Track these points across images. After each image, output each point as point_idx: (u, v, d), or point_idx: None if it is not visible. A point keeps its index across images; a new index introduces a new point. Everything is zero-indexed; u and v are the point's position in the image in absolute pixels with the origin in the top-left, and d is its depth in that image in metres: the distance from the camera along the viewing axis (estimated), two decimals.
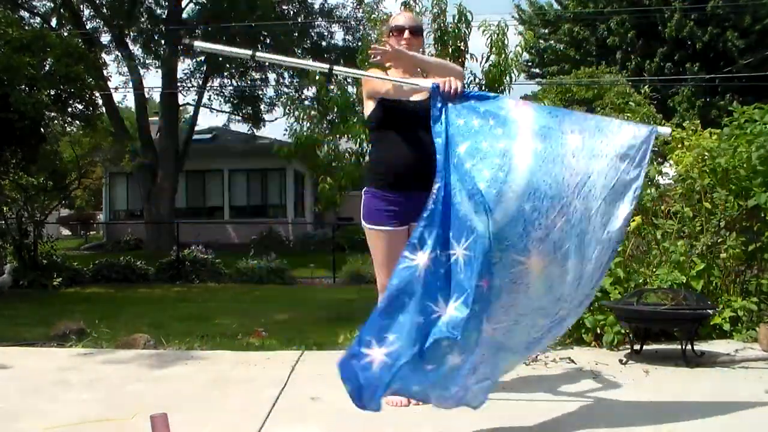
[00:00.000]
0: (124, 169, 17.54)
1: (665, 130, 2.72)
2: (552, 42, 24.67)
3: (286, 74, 20.13)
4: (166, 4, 18.08)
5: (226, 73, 19.94)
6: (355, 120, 5.59)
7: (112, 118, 16.87)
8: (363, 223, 2.99)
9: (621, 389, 3.15)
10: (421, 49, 3.12)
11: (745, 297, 4.37)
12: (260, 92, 20.50)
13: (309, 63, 4.16)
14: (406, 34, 2.97)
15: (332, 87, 6.36)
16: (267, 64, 19.77)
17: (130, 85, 18.60)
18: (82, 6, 17.71)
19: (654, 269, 4.44)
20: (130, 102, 26.86)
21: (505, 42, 5.12)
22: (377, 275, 2.99)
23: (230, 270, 11.75)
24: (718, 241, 4.53)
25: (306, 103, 7.01)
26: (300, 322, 6.52)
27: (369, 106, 3.02)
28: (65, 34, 15.46)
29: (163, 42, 17.92)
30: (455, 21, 5.06)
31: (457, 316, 2.21)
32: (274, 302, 8.72)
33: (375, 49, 2.79)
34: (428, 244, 2.24)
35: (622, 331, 4.00)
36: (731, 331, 4.20)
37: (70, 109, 11.09)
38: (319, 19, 20.09)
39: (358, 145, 5.73)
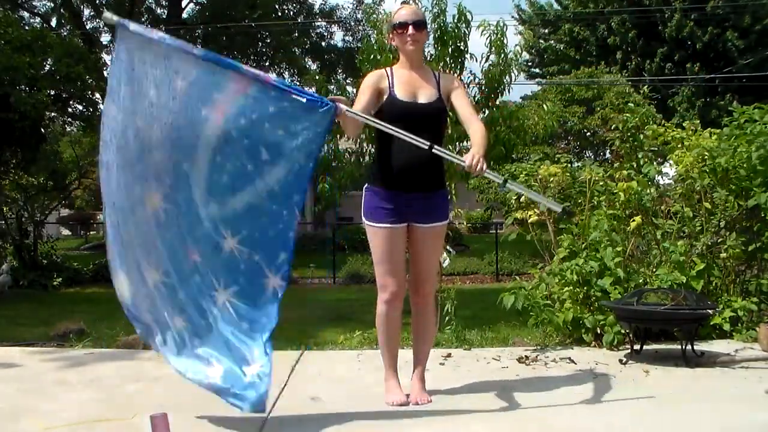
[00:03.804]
0: None
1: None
2: (552, 42, 24.66)
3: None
4: (166, 4, 18.08)
5: None
6: None
7: None
8: (363, 220, 3.01)
9: (621, 389, 3.15)
10: (426, 44, 3.09)
11: (745, 297, 4.36)
12: None
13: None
14: (410, 29, 2.94)
15: (332, 87, 6.35)
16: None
17: None
18: (82, 6, 17.71)
19: (654, 269, 4.44)
20: None
21: (504, 42, 5.13)
22: (376, 272, 3.00)
23: None
24: (718, 241, 4.53)
25: None
26: (300, 322, 6.51)
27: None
28: (65, 34, 15.47)
29: None
30: (455, 21, 5.06)
31: None
32: None
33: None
34: None
35: (622, 331, 4.00)
36: (731, 331, 4.20)
37: (70, 109, 11.12)
38: (319, 19, 20.09)
39: (358, 145, 5.73)
